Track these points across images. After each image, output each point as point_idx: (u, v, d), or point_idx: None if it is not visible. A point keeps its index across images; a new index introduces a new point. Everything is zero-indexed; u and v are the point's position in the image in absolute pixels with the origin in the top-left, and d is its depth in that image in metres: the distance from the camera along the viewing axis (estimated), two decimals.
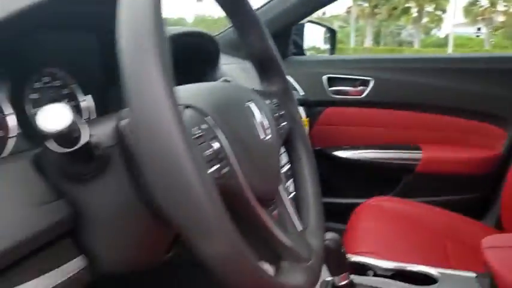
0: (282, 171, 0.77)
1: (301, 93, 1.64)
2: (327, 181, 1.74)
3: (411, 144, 1.60)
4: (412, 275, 0.98)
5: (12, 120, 0.60)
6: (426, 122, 1.60)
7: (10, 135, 0.59)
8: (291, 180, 0.74)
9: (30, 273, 0.44)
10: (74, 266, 0.49)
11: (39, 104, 0.65)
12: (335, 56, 1.95)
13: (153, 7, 0.37)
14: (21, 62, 0.62)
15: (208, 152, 0.44)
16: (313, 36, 2.04)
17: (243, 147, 0.49)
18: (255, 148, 0.52)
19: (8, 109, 0.60)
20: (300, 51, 1.82)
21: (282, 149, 0.73)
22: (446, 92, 1.55)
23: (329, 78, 1.65)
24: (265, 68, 0.69)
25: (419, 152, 1.57)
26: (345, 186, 1.70)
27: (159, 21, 0.37)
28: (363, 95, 1.62)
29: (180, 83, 0.69)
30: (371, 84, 1.61)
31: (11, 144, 0.59)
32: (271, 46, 0.68)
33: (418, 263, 1.02)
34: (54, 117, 0.40)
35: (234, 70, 1.30)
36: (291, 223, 0.57)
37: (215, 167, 0.44)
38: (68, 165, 0.46)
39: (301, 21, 1.74)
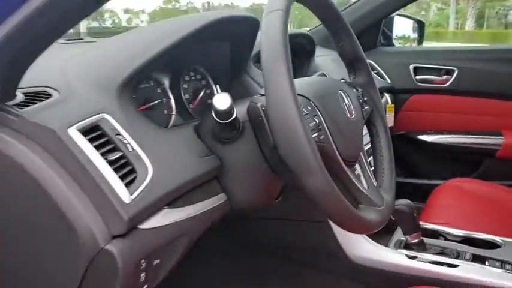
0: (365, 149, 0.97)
1: (388, 81, 1.80)
2: (411, 163, 1.89)
3: (493, 130, 1.70)
4: (478, 242, 1.12)
5: (173, 103, 0.86)
6: (507, 110, 1.68)
7: (172, 113, 0.86)
8: (371, 157, 0.94)
9: (196, 199, 0.69)
10: (218, 199, 0.74)
11: (187, 91, 0.92)
12: (421, 47, 2.07)
13: (282, 31, 0.59)
14: (177, 62, 0.89)
15: (312, 124, 0.66)
16: (403, 26, 2.17)
17: (334, 123, 0.71)
18: (343, 124, 0.73)
19: (170, 95, 0.86)
20: (389, 42, 1.97)
21: (365, 131, 0.93)
22: None
23: (415, 68, 1.79)
24: (353, 65, 0.89)
25: (500, 138, 1.67)
26: (427, 168, 1.83)
27: (285, 39, 0.59)
28: (447, 84, 1.74)
29: None
30: (455, 73, 1.72)
31: (172, 119, 0.86)
32: (359, 48, 0.88)
33: (487, 233, 1.16)
34: (222, 101, 0.64)
35: (326, 61, 1.50)
36: (369, 180, 0.77)
37: (315, 134, 0.66)
38: (219, 132, 0.71)
39: (392, 15, 1.89)
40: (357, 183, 0.72)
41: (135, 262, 0.58)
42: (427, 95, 1.79)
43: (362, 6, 1.75)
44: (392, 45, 1.97)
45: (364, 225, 0.68)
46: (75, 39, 0.96)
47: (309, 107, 0.68)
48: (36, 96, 0.62)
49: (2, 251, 0.61)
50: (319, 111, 0.69)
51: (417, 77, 1.79)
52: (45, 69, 0.67)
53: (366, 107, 0.86)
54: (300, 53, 1.28)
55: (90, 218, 0.55)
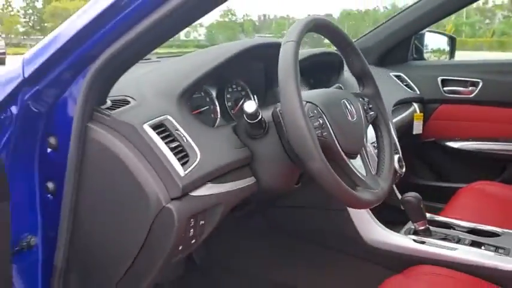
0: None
1: (417, 92, 1.97)
2: (439, 167, 2.04)
3: None
4: (481, 232, 1.28)
5: (218, 109, 1.11)
6: None
7: (218, 117, 1.10)
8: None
9: (231, 179, 0.92)
10: (248, 181, 0.96)
11: (230, 100, 1.16)
12: (448, 61, 2.22)
13: (293, 58, 0.82)
14: (222, 77, 1.13)
15: (316, 123, 0.88)
16: (438, 41, 2.33)
17: (336, 123, 0.92)
18: (345, 124, 0.94)
19: (217, 103, 1.11)
20: (421, 56, 2.14)
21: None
22: None
23: (443, 80, 1.95)
24: (362, 79, 1.09)
25: None
26: (454, 172, 1.98)
27: (295, 64, 0.82)
28: (473, 95, 1.90)
29: (314, 86, 1.18)
30: (480, 85, 1.87)
31: (217, 121, 1.10)
32: (366, 66, 1.08)
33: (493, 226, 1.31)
34: (250, 106, 0.88)
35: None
36: (368, 169, 0.98)
37: (319, 131, 0.88)
38: (250, 130, 0.94)
39: (422, 32, 2.06)
40: (355, 171, 0.93)
41: (186, 219, 0.82)
42: (454, 105, 1.95)
43: (393, 24, 1.95)
44: (424, 59, 2.14)
45: (359, 202, 0.89)
46: (144, 60, 1.24)
47: (315, 111, 0.90)
48: (120, 102, 0.88)
49: (94, 209, 0.87)
50: (323, 114, 0.91)
51: (445, 89, 1.95)
52: (124, 83, 0.93)
53: (371, 113, 1.07)
54: (327, 68, 1.49)
55: (156, 185, 0.80)
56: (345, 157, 0.92)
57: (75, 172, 0.84)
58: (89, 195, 0.86)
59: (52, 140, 0.86)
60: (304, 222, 1.40)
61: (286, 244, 1.44)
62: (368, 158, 1.00)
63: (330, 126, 0.91)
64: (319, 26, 0.96)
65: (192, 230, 0.86)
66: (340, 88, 1.42)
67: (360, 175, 0.93)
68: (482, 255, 1.15)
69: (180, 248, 0.86)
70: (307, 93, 0.96)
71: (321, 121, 0.90)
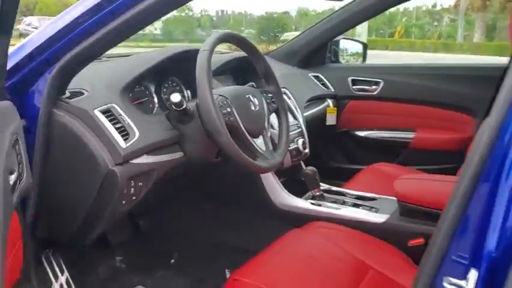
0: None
1: (332, 89, 2.34)
2: (349, 152, 2.43)
3: (409, 127, 2.24)
4: (365, 197, 1.66)
5: (156, 101, 1.42)
6: (420, 112, 2.22)
7: (155, 107, 1.41)
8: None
9: (163, 152, 1.23)
10: (178, 154, 1.28)
11: (166, 93, 1.46)
12: (358, 64, 2.60)
13: (207, 63, 1.14)
14: (159, 75, 1.44)
15: (225, 111, 1.20)
16: (355, 46, 2.72)
17: (241, 111, 1.24)
18: (248, 112, 1.27)
19: (154, 96, 1.42)
20: (337, 59, 2.51)
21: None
22: (434, 91, 2.16)
23: (353, 80, 2.34)
24: (267, 79, 1.42)
25: (413, 133, 2.20)
26: (361, 156, 2.36)
27: (208, 68, 1.14)
28: (375, 92, 2.28)
29: (243, 84, 1.51)
30: (381, 84, 2.26)
31: (155, 110, 1.41)
32: (270, 69, 1.41)
33: (374, 193, 1.68)
34: (175, 97, 1.19)
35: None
36: (267, 146, 1.31)
37: (227, 117, 1.20)
38: (178, 117, 1.25)
39: (337, 38, 2.44)
40: (256, 146, 1.26)
41: (127, 180, 1.13)
42: (361, 101, 2.33)
43: (312, 32, 2.31)
44: (339, 62, 2.52)
45: (256, 167, 1.22)
46: (97, 60, 1.52)
47: (225, 102, 1.23)
48: (76, 93, 1.17)
49: (58, 174, 1.15)
50: (231, 104, 1.23)
51: (354, 87, 2.33)
52: (80, 78, 1.20)
53: (273, 105, 1.41)
54: (251, 70, 1.82)
55: (104, 154, 1.09)
56: (248, 136, 1.25)
57: (42, 146, 1.12)
58: (53, 164, 1.14)
59: (23, 122, 1.12)
60: (229, 192, 1.73)
61: (216, 210, 1.78)
62: (267, 138, 1.34)
63: (236, 113, 1.23)
64: (230, 38, 1.29)
65: (132, 189, 1.16)
66: (253, 86, 1.75)
67: (259, 149, 1.26)
68: (359, 213, 1.52)
69: (124, 202, 1.16)
70: (221, 89, 1.29)
71: (228, 109, 1.22)
